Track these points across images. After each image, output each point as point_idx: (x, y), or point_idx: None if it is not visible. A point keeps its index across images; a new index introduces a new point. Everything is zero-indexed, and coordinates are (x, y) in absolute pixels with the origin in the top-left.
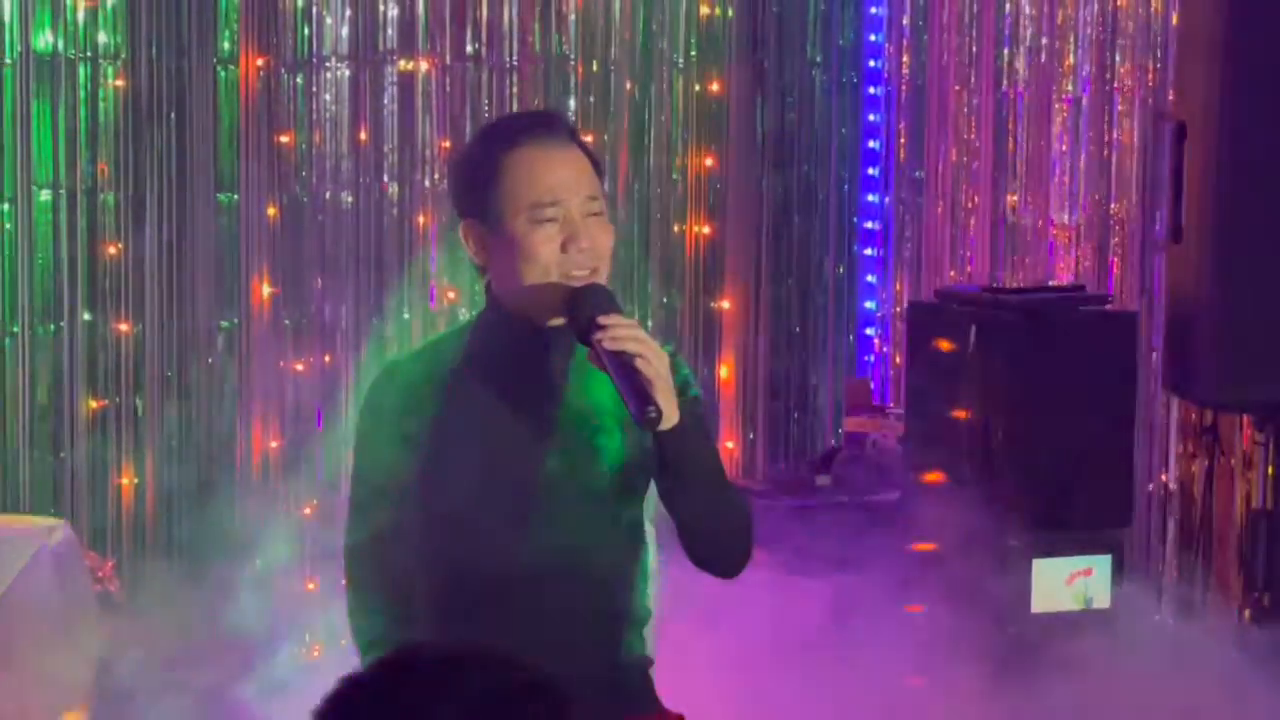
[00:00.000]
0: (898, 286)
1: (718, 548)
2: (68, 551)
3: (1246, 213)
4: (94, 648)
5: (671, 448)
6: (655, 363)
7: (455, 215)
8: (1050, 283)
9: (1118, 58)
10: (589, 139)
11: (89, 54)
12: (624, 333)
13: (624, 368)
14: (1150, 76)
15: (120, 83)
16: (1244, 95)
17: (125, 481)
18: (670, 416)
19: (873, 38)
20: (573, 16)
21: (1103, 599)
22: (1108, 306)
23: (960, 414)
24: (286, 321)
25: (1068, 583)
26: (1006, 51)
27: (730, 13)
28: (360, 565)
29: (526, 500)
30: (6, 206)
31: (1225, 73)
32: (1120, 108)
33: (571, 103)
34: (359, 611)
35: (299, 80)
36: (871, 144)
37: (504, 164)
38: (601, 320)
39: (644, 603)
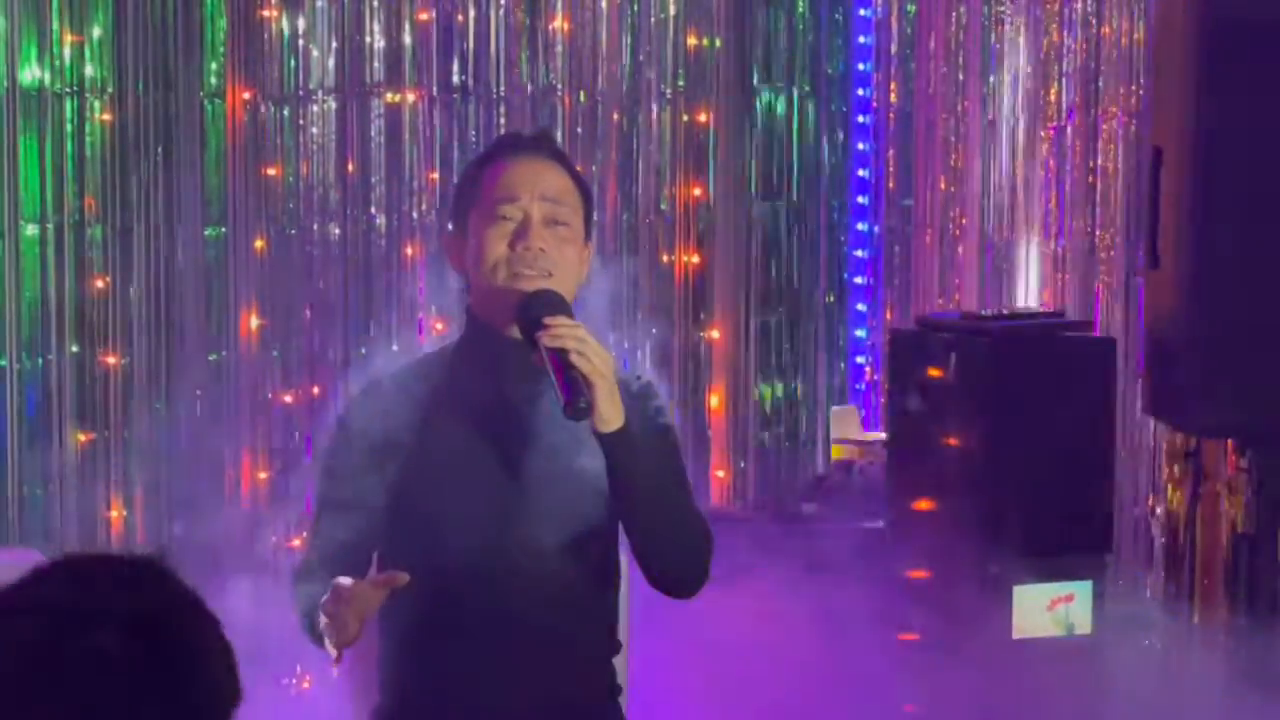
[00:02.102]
0: (888, 314)
1: (667, 565)
2: None
3: (1222, 238)
4: None
5: (614, 453)
6: (595, 361)
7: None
8: (1034, 308)
9: (1102, 85)
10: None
11: (75, 88)
12: (565, 331)
13: (559, 362)
14: (1135, 103)
15: (107, 116)
16: (1218, 120)
17: (114, 514)
18: (610, 420)
19: (861, 66)
20: (560, 47)
21: (1084, 625)
22: (1087, 332)
23: (942, 440)
24: (275, 353)
25: (1049, 609)
26: (992, 79)
27: (718, 42)
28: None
29: (495, 513)
30: None
31: (1199, 97)
32: (1104, 135)
33: (559, 134)
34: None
35: (285, 113)
36: (860, 172)
37: (481, 176)
38: (546, 320)
39: (614, 633)
